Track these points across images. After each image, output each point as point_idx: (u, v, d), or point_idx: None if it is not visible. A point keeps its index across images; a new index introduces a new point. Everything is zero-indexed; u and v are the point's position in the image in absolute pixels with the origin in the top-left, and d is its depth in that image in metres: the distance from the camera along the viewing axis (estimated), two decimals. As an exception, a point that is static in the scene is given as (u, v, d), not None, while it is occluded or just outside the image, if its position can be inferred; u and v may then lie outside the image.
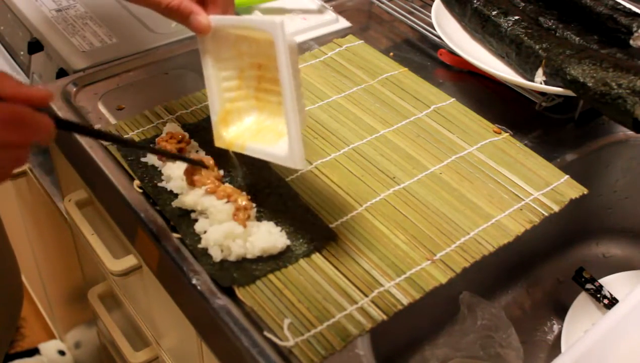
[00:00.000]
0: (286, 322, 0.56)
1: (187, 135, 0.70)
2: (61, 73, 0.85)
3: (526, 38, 0.77)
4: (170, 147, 0.68)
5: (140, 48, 0.88)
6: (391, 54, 0.89)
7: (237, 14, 0.87)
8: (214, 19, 0.61)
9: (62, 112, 0.77)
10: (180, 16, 0.62)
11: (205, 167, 0.64)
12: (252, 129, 0.63)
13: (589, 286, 0.78)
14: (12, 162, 0.50)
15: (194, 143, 0.70)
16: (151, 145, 0.70)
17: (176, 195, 0.65)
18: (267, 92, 0.63)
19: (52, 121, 0.50)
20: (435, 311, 0.70)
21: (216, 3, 0.62)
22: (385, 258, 0.62)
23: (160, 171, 0.68)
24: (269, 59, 0.60)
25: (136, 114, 0.76)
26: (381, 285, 0.60)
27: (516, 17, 0.80)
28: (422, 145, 0.74)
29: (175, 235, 0.63)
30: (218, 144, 0.63)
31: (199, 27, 0.61)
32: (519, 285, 0.82)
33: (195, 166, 0.64)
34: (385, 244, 0.63)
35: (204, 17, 0.61)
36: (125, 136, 0.73)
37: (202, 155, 0.68)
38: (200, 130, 0.73)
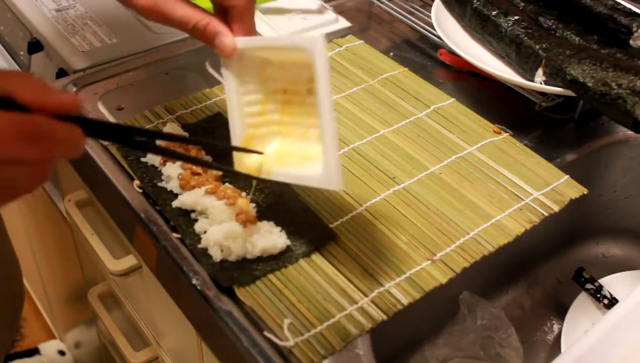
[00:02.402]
0: (286, 322, 0.56)
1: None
2: (61, 73, 0.85)
3: (526, 38, 0.77)
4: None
5: (140, 48, 0.88)
6: (391, 54, 0.89)
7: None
8: (240, 41, 0.58)
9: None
10: (206, 37, 0.59)
11: (207, 164, 0.63)
12: (276, 154, 0.60)
13: (589, 286, 0.78)
14: (30, 180, 0.44)
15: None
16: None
17: (176, 195, 0.65)
18: (293, 115, 0.60)
19: (79, 131, 0.45)
20: (435, 311, 0.70)
21: (243, 22, 0.59)
22: (385, 258, 0.62)
23: (160, 171, 0.68)
24: (296, 83, 0.58)
25: (136, 114, 0.76)
26: (381, 285, 0.60)
27: (516, 17, 0.80)
28: (422, 145, 0.74)
29: (175, 235, 0.63)
30: (240, 168, 0.60)
31: (224, 50, 0.58)
32: (519, 285, 0.82)
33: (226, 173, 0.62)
34: (385, 244, 0.63)
35: (229, 39, 0.57)
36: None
37: (204, 155, 0.68)
38: (200, 130, 0.73)
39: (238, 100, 0.59)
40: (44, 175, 0.45)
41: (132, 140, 0.55)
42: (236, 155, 0.60)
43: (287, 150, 0.60)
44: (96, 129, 0.49)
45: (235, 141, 0.60)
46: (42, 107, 0.43)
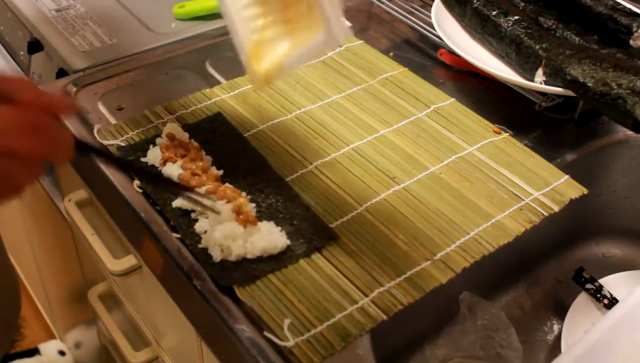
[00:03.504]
0: (286, 322, 0.56)
1: (192, 142, 0.70)
2: (61, 73, 0.85)
3: (526, 38, 0.77)
4: (174, 157, 0.67)
5: (140, 48, 0.88)
6: (391, 54, 0.89)
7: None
8: None
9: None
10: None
11: (217, 212, 0.62)
12: (286, 50, 0.57)
13: (589, 286, 0.78)
14: (25, 174, 0.47)
15: (195, 143, 0.70)
16: (151, 145, 0.70)
17: (176, 195, 0.65)
18: (296, 8, 0.56)
19: (72, 137, 0.48)
20: (435, 311, 0.70)
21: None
22: (385, 258, 0.62)
23: (160, 171, 0.68)
24: None
25: (136, 114, 0.76)
26: (381, 285, 0.60)
27: (516, 17, 0.80)
28: (422, 145, 0.74)
29: (175, 235, 0.63)
30: (255, 84, 0.56)
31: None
32: (519, 285, 0.82)
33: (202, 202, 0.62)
34: (385, 244, 0.63)
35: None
36: (125, 136, 0.73)
37: (204, 155, 0.68)
38: (200, 130, 0.73)
39: (235, 7, 0.57)
40: (37, 171, 0.48)
41: (119, 163, 0.59)
42: (248, 71, 0.57)
43: (296, 42, 0.57)
44: (84, 148, 0.52)
45: (244, 54, 0.57)
46: (41, 107, 0.46)
